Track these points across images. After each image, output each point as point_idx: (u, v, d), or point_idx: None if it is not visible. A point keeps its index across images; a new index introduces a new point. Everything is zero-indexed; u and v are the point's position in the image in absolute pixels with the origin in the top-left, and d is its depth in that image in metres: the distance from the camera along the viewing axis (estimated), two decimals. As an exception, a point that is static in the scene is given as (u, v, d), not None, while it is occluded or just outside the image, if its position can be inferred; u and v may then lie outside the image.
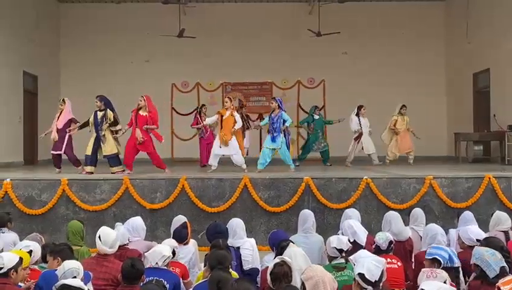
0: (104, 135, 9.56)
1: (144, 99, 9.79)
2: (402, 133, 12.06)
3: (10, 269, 3.97)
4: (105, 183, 8.45)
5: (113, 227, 5.86)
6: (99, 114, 9.65)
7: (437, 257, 4.20)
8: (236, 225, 5.52)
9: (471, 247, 4.75)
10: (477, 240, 5.02)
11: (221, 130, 9.89)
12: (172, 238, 5.52)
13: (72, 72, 16.70)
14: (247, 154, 12.66)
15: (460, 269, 4.20)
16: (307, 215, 5.84)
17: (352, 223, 5.29)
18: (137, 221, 5.92)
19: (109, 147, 9.57)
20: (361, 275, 3.53)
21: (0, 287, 3.90)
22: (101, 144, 9.55)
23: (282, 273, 3.70)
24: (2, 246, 5.08)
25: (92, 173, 9.37)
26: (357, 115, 11.96)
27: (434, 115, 16.41)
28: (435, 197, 8.29)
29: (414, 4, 16.69)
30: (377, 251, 4.74)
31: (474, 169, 10.00)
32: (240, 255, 5.20)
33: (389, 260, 4.49)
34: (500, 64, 13.25)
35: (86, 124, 9.83)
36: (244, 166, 9.85)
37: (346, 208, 7.21)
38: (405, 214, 6.57)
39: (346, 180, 8.45)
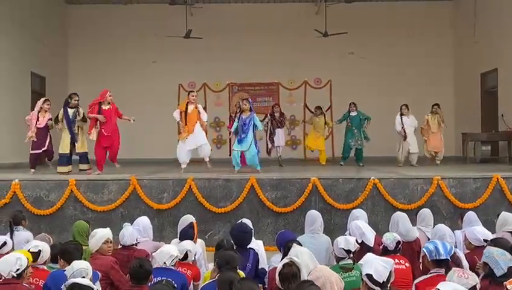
0: (77, 133, 9.61)
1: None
2: (434, 131, 11.79)
3: (24, 269, 4.02)
4: (113, 183, 8.47)
5: (120, 227, 5.90)
6: (70, 111, 9.63)
7: (424, 250, 4.20)
8: None
9: (479, 247, 4.73)
10: (484, 240, 5.00)
11: (187, 124, 9.73)
12: (179, 238, 5.54)
13: (80, 73, 16.78)
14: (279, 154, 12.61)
15: (449, 263, 4.14)
16: (315, 216, 5.83)
17: (360, 223, 5.27)
18: (144, 221, 5.94)
19: (81, 145, 9.65)
20: (369, 276, 3.52)
21: (12, 287, 3.93)
22: (75, 141, 9.59)
23: (291, 273, 3.70)
24: (16, 244, 5.11)
25: (67, 172, 9.41)
26: (401, 114, 11.74)
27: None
28: (442, 197, 8.25)
29: (421, 4, 16.63)
30: (385, 251, 4.72)
31: (482, 169, 9.95)
32: (257, 257, 5.18)
33: (396, 260, 4.47)
34: (508, 64, 13.18)
35: (57, 121, 9.82)
36: (207, 161, 9.80)
37: (354, 208, 7.20)
38: (412, 215, 6.54)
39: (353, 180, 8.43)
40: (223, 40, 16.34)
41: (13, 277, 3.94)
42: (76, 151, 9.65)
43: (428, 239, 5.62)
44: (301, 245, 4.81)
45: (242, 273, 4.40)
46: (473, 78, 15.14)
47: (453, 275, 3.63)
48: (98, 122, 9.55)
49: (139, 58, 16.63)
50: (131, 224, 5.93)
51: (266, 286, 4.68)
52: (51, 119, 9.88)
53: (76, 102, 9.70)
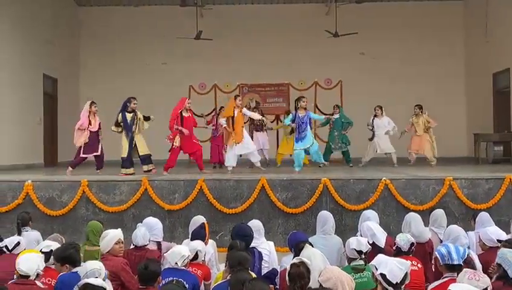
0: (136, 135, 9.71)
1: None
2: (420, 133, 11.85)
3: (42, 270, 4.05)
4: (124, 184, 8.52)
5: (131, 228, 5.92)
6: (129, 115, 9.72)
7: (436, 253, 4.15)
8: (252, 227, 5.54)
9: (493, 248, 4.69)
10: (498, 240, 4.96)
11: (236, 130, 9.87)
12: (190, 239, 5.55)
13: (91, 74, 16.91)
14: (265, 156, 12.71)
15: (462, 267, 4.09)
16: (327, 217, 5.81)
17: (371, 224, 5.25)
18: (154, 221, 5.95)
19: (142, 147, 9.74)
20: (382, 276, 3.51)
21: (29, 287, 3.96)
22: (136, 144, 9.69)
23: (298, 273, 3.70)
24: (27, 244, 5.16)
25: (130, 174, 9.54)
26: (374, 115, 11.85)
27: (453, 115, 16.24)
28: (454, 198, 8.18)
29: (432, 4, 16.56)
30: (398, 252, 4.70)
31: (494, 170, 9.87)
32: (262, 256, 5.19)
33: (409, 261, 4.44)
34: (520, 63, 13.09)
35: (117, 125, 9.90)
36: (259, 165, 9.87)
37: (365, 209, 7.17)
38: (424, 216, 6.50)
39: (364, 181, 8.39)
40: (233, 41, 16.38)
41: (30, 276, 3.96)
42: (140, 154, 9.70)
43: (441, 241, 5.59)
44: (312, 246, 4.81)
45: (253, 274, 4.40)
46: (484, 78, 15.03)
47: (464, 277, 3.59)
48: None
49: (149, 59, 16.72)
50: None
51: (278, 287, 4.68)
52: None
53: (135, 106, 9.78)
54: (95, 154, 9.94)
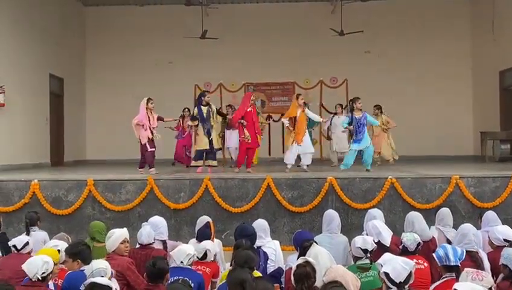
0: (211, 128, 9.84)
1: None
2: (377, 133, 11.93)
3: (50, 273, 4.06)
4: (130, 183, 8.54)
5: (137, 227, 5.94)
6: (204, 109, 9.82)
7: (434, 255, 4.14)
8: (258, 226, 5.54)
9: (500, 247, 4.66)
10: (504, 240, 4.93)
11: (297, 130, 9.81)
12: (196, 238, 5.56)
13: (97, 74, 16.97)
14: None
15: (459, 268, 4.07)
16: (333, 216, 5.81)
17: (377, 223, 5.24)
18: (159, 220, 5.96)
19: (215, 141, 9.98)
20: (386, 274, 3.50)
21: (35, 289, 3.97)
22: (210, 137, 9.81)
23: (304, 274, 3.70)
24: (33, 244, 5.19)
25: (215, 166, 9.79)
26: (335, 113, 11.97)
27: (460, 113, 16.20)
28: (461, 197, 8.15)
29: (439, 1, 16.46)
30: (404, 251, 4.69)
31: (501, 168, 9.81)
32: (267, 256, 5.20)
33: (415, 261, 4.43)
34: (527, 61, 13.01)
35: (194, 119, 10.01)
36: (305, 167, 9.85)
37: (371, 208, 7.14)
38: (431, 215, 6.49)
39: (370, 180, 8.38)
40: (239, 40, 16.37)
41: (38, 279, 3.97)
42: (212, 147, 9.85)
43: (447, 239, 5.57)
44: (318, 244, 4.80)
45: (258, 273, 4.40)
46: (491, 76, 14.94)
47: (467, 277, 3.58)
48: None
49: (155, 59, 16.75)
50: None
51: (283, 286, 4.68)
52: (159, 118, 9.97)
53: (209, 99, 9.97)
54: (154, 148, 9.87)
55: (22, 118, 12.73)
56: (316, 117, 10.27)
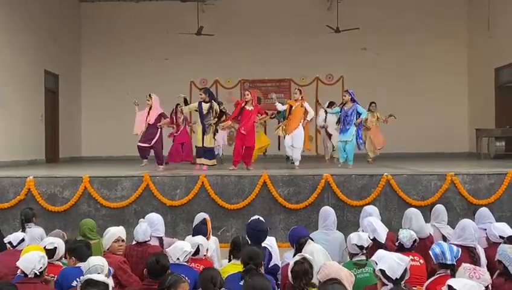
0: (209, 126, 9.75)
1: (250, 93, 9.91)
2: (373, 129, 11.92)
3: (45, 268, 4.06)
4: (126, 180, 8.52)
5: (134, 224, 5.93)
6: (205, 106, 9.77)
7: (430, 252, 4.15)
8: None
9: (496, 244, 4.68)
10: (500, 237, 4.95)
11: (289, 120, 9.91)
12: (192, 235, 5.56)
13: (93, 70, 16.91)
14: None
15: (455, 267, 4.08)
16: (329, 213, 5.82)
17: (372, 220, 5.25)
18: (155, 217, 5.96)
19: (209, 139, 9.81)
20: (382, 271, 3.51)
21: (32, 286, 3.96)
22: (204, 135, 9.74)
23: (302, 270, 3.71)
24: (29, 241, 5.18)
25: (210, 165, 9.73)
26: (326, 111, 11.94)
27: (455, 110, 16.24)
28: (456, 193, 8.18)
29: (434, -1, 16.49)
30: (400, 248, 4.70)
31: (496, 165, 9.86)
32: (271, 256, 5.19)
33: (411, 257, 4.44)
34: (523, 58, 13.03)
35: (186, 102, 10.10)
36: (297, 163, 9.86)
37: (366, 204, 7.16)
38: (426, 211, 6.50)
39: (366, 177, 8.39)
40: (235, 36, 16.34)
41: (35, 275, 3.97)
42: (204, 145, 9.78)
43: (443, 236, 5.59)
44: (313, 241, 4.81)
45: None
46: (487, 73, 14.98)
47: (464, 274, 3.58)
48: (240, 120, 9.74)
49: (151, 55, 16.70)
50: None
51: (279, 282, 4.69)
52: (162, 115, 10.11)
53: (201, 96, 9.91)
54: (146, 145, 10.02)
55: (17, 114, 12.68)
56: (311, 113, 10.18)
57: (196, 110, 10.00)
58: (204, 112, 9.76)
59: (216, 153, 12.51)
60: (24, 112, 13.06)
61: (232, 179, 8.49)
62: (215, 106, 9.86)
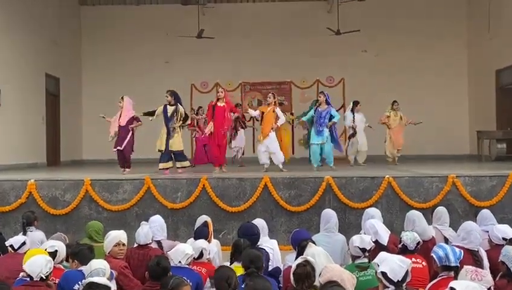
0: (174, 130, 9.62)
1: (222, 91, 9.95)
2: (395, 129, 11.83)
3: (51, 272, 4.06)
4: (128, 183, 8.51)
5: (135, 227, 5.92)
6: (170, 109, 9.66)
7: (433, 254, 4.13)
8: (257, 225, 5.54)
9: (499, 246, 4.67)
10: (503, 238, 4.94)
11: (262, 126, 9.99)
12: (194, 237, 5.55)
13: (93, 73, 16.92)
14: (243, 154, 12.73)
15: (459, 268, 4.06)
16: (330, 215, 5.81)
17: (374, 222, 5.24)
18: (159, 219, 5.95)
19: (177, 143, 9.66)
20: (383, 274, 3.50)
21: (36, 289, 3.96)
22: (170, 139, 9.61)
23: (305, 273, 3.69)
24: (30, 244, 5.17)
25: (168, 168, 9.57)
26: (352, 111, 11.83)
27: (456, 112, 16.23)
28: (458, 196, 8.15)
29: (435, 0, 16.48)
30: (403, 250, 4.69)
31: (497, 167, 9.84)
32: (269, 257, 5.19)
33: (413, 259, 4.44)
34: (524, 60, 13.02)
35: (151, 114, 9.86)
36: (281, 166, 9.85)
37: (368, 207, 7.15)
38: (428, 213, 6.49)
39: (367, 179, 8.38)
40: (235, 39, 16.36)
41: (41, 278, 3.97)
42: (170, 149, 9.64)
43: (445, 238, 5.58)
44: (315, 244, 4.79)
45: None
46: (487, 75, 14.97)
47: (466, 276, 3.57)
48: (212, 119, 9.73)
49: (151, 58, 16.72)
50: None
51: (281, 285, 4.67)
52: (134, 118, 9.89)
53: (167, 99, 9.76)
54: (118, 148, 9.88)
55: (18, 117, 12.68)
56: (282, 118, 10.06)
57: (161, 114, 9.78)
58: (169, 114, 9.60)
59: (233, 155, 12.57)
60: (25, 115, 13.06)
61: (233, 181, 8.48)
62: (181, 109, 9.68)
